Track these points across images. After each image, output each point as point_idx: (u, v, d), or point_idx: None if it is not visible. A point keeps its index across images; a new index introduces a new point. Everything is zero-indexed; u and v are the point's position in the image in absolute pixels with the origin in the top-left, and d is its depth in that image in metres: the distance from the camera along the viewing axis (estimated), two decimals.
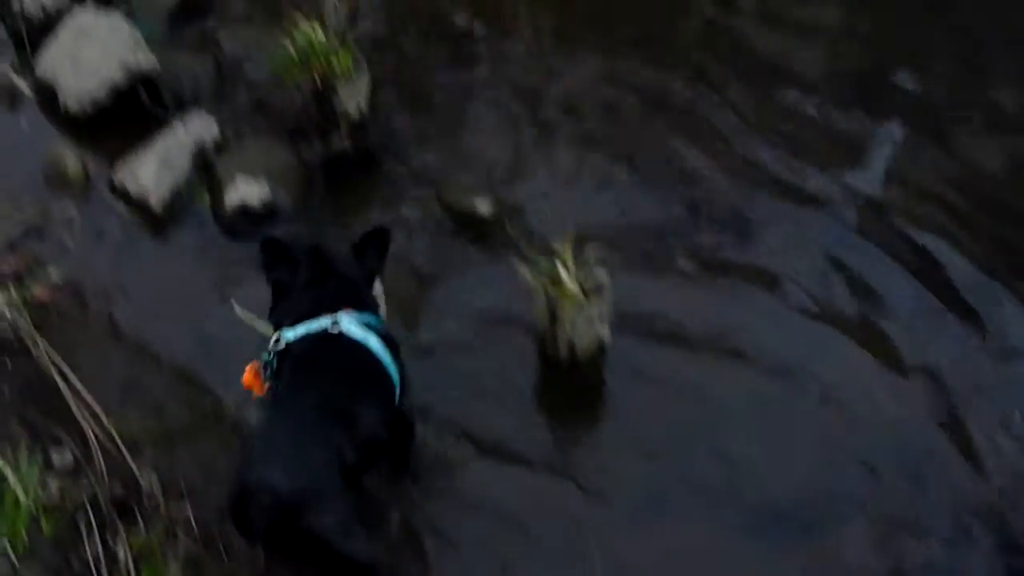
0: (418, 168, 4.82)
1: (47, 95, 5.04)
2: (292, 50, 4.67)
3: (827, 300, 4.30)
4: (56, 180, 4.73)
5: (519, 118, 5.06)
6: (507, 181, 4.75)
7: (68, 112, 4.94)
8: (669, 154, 4.87)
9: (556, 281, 3.78)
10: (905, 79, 5.29)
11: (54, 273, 4.38)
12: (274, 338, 3.29)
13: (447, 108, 5.11)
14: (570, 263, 3.79)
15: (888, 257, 4.44)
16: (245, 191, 4.57)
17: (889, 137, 5.03)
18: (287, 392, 3.21)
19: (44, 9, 5.29)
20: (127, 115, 4.97)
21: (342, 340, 3.28)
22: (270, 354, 3.27)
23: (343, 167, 4.79)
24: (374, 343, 3.30)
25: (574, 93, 5.20)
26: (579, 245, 3.86)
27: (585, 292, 3.78)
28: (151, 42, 5.13)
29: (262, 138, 4.88)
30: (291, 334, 3.27)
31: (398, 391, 3.38)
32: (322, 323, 3.28)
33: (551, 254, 3.83)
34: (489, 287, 4.24)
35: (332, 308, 3.32)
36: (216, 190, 4.64)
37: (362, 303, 3.41)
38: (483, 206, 4.51)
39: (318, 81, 4.66)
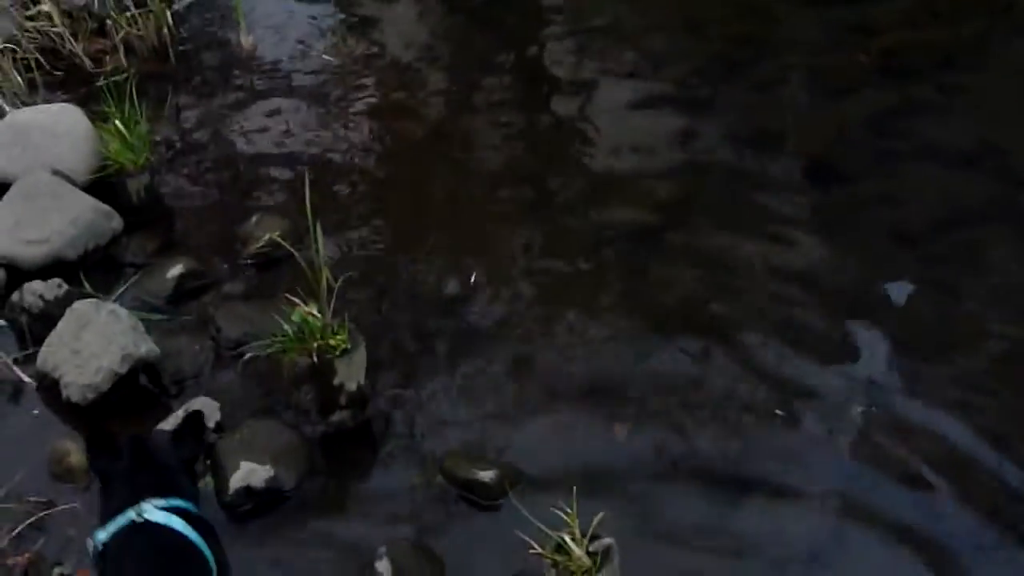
0: (419, 438, 4.88)
1: (49, 385, 5.11)
2: (288, 329, 4.80)
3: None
4: (60, 472, 4.76)
5: (521, 384, 5.15)
6: (511, 447, 4.80)
7: (70, 400, 4.99)
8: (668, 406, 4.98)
9: (564, 550, 3.81)
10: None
11: (59, 570, 4.38)
12: (89, 544, 3.35)
13: (446, 376, 5.19)
14: (576, 531, 3.82)
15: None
16: (248, 472, 4.60)
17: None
18: None
19: (43, 298, 5.39)
20: (128, 400, 5.03)
21: (150, 528, 3.33)
22: (93, 560, 3.34)
23: (344, 442, 4.86)
24: (179, 524, 3.35)
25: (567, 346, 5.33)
26: (585, 506, 3.90)
27: (593, 559, 3.80)
28: (150, 327, 5.26)
29: (262, 417, 4.94)
30: (103, 535, 3.34)
31: (215, 571, 3.46)
32: (128, 515, 3.33)
33: (556, 521, 3.88)
34: (499, 560, 4.24)
35: (138, 498, 3.38)
36: (219, 472, 4.67)
37: (173, 488, 3.48)
38: (487, 475, 4.54)
39: (315, 358, 4.76)
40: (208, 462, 4.74)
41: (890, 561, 4.27)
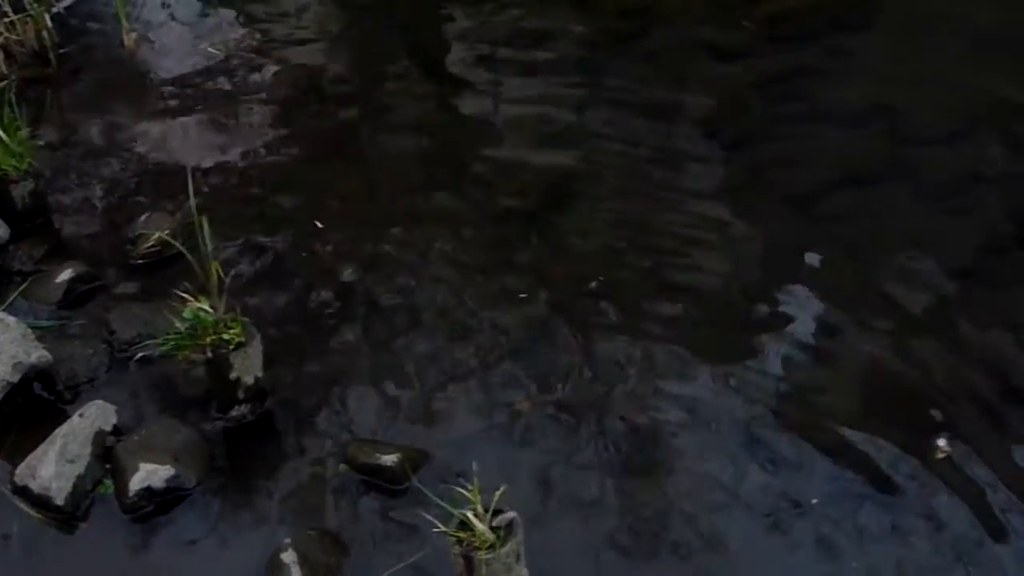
0: (321, 428, 4.82)
1: None
2: (181, 327, 4.71)
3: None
4: None
5: (419, 368, 5.09)
6: (413, 431, 4.76)
7: None
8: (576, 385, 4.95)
9: (467, 527, 3.78)
10: None
11: None
12: None
13: (345, 364, 5.14)
14: (479, 507, 3.79)
15: None
16: (148, 473, 4.51)
17: None
18: None
19: None
20: (22, 408, 4.93)
21: None
22: None
23: (245, 435, 4.79)
24: None
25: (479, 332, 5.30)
26: (488, 482, 3.87)
27: (496, 533, 3.77)
28: (41, 333, 5.14)
29: (160, 417, 4.86)
30: None
31: None
32: None
33: (461, 500, 3.84)
34: (405, 542, 4.22)
35: None
36: (119, 476, 4.57)
37: None
38: (389, 459, 4.49)
39: (210, 354, 4.68)
40: (108, 466, 4.65)
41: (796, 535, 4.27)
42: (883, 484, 4.36)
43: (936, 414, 4.62)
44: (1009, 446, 4.47)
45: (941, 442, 4.50)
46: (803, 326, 5.18)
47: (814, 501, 4.31)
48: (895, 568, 4.07)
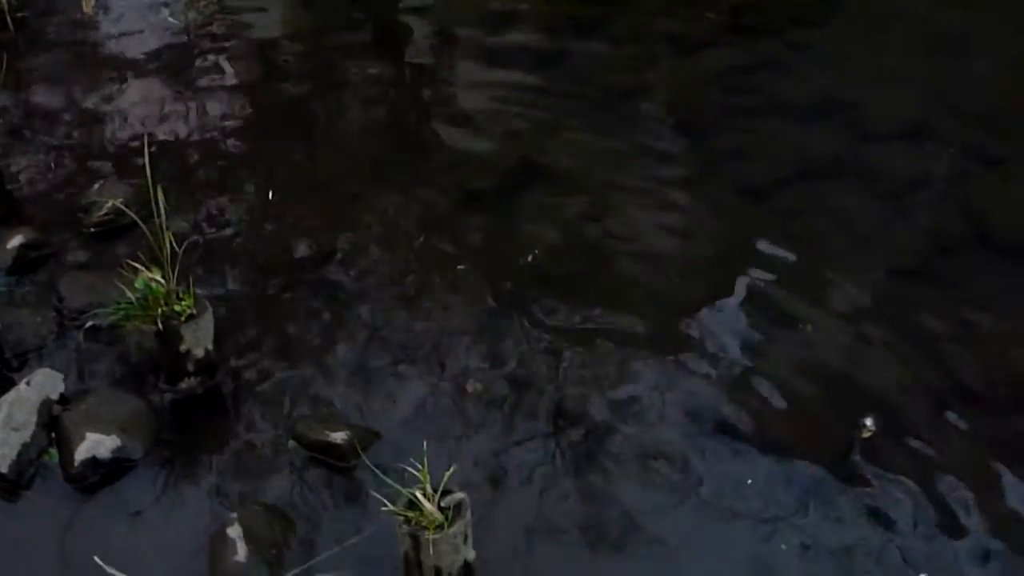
0: (270, 403, 4.80)
1: None
2: (132, 296, 4.68)
3: None
4: None
5: (371, 347, 5.08)
6: (363, 409, 4.75)
7: None
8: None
9: (415, 506, 3.78)
10: None
11: None
12: None
13: (296, 340, 5.13)
14: (428, 487, 3.80)
15: None
16: (94, 443, 4.48)
17: None
18: None
19: None
20: None
21: None
22: None
23: (193, 408, 4.77)
24: None
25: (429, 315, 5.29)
26: (437, 463, 3.88)
27: (445, 514, 3.78)
28: None
29: (108, 387, 4.83)
30: None
31: None
32: None
33: (410, 479, 3.85)
34: (353, 520, 4.21)
35: None
36: (65, 445, 4.53)
37: None
38: (338, 436, 4.47)
39: (160, 325, 4.65)
40: (53, 435, 4.61)
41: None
42: (821, 471, 4.40)
43: (878, 405, 4.66)
44: (949, 437, 4.52)
45: (868, 421, 4.57)
46: (750, 316, 5.21)
47: (749, 482, 4.35)
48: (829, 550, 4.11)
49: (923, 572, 3.98)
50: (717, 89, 6.85)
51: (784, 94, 6.75)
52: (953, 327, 5.05)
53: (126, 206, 5.30)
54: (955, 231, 5.64)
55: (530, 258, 5.52)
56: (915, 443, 4.48)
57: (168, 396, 4.80)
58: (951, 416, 4.59)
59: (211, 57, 7.26)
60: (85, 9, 7.61)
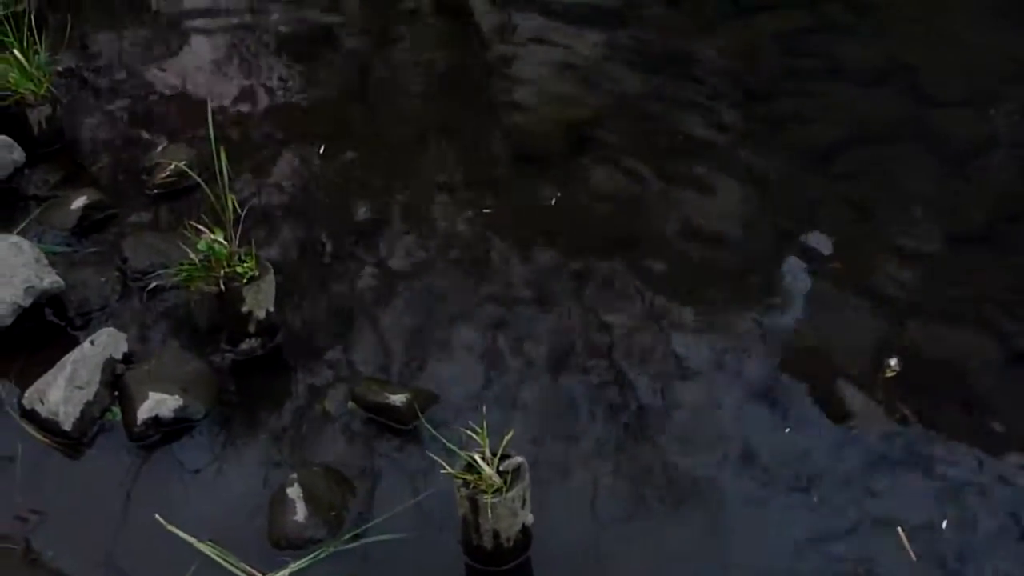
0: (330, 365, 4.84)
1: None
2: (195, 258, 4.73)
3: None
4: None
5: (429, 309, 5.11)
6: (422, 372, 4.77)
7: None
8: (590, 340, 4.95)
9: (474, 469, 3.81)
10: None
11: None
12: None
13: (356, 302, 5.16)
14: (487, 451, 3.82)
15: None
16: (156, 402, 4.54)
17: None
18: None
19: None
20: (33, 333, 4.95)
21: None
22: None
23: (254, 370, 4.82)
24: None
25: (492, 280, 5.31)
26: (496, 426, 3.89)
27: (504, 478, 3.80)
28: (54, 259, 5.16)
29: (171, 347, 4.88)
30: None
31: None
32: None
33: (469, 443, 3.87)
34: (411, 483, 4.24)
35: None
36: (127, 404, 4.60)
37: None
38: (398, 399, 4.50)
39: (223, 286, 4.70)
40: (116, 394, 4.68)
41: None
42: (883, 442, 4.38)
43: (943, 375, 4.62)
44: (1017, 407, 4.48)
45: (892, 361, 4.56)
46: (808, 282, 5.19)
47: (810, 451, 4.35)
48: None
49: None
50: (779, 51, 6.78)
51: (845, 57, 6.66)
52: (1018, 295, 4.99)
53: (189, 167, 5.36)
54: (1021, 198, 5.57)
55: (553, 201, 5.57)
56: (980, 414, 4.45)
57: (229, 357, 4.85)
58: (1018, 387, 4.55)
59: (272, 21, 7.27)
60: None
